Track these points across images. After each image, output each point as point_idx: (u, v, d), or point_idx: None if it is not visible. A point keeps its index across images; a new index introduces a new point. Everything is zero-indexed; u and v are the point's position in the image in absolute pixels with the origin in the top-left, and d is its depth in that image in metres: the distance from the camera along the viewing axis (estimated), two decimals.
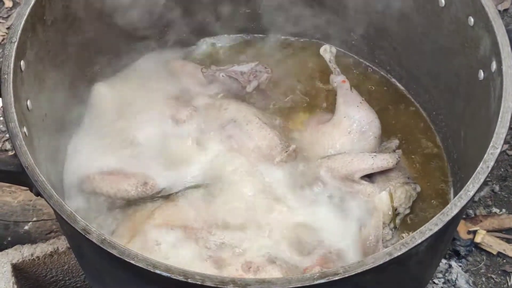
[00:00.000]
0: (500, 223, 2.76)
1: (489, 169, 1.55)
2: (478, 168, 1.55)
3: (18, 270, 2.27)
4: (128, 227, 1.94)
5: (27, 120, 1.74)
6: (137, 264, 1.40)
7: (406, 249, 1.44)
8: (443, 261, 2.62)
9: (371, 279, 1.52)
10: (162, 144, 2.12)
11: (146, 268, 1.40)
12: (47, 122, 1.90)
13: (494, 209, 2.80)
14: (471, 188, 1.53)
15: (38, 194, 1.56)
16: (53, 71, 1.92)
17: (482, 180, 1.54)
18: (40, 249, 2.28)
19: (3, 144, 2.96)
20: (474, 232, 2.71)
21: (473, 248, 2.70)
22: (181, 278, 1.39)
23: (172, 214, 1.95)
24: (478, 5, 1.84)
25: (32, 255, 2.27)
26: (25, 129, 1.67)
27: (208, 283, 1.38)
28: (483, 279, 2.63)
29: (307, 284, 1.39)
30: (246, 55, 2.43)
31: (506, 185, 2.86)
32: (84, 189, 2.04)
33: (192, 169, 2.07)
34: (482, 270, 2.65)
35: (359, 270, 1.41)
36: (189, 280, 1.38)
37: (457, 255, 2.67)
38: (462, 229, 2.70)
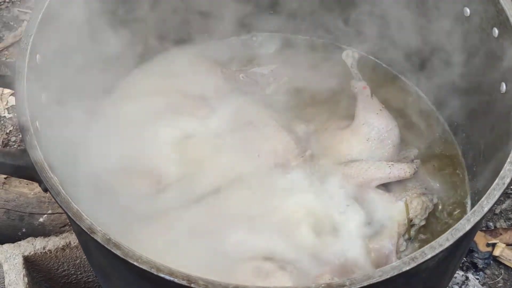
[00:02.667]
0: None
1: (505, 185, 1.53)
2: (493, 184, 1.53)
3: (30, 263, 2.27)
4: (140, 226, 1.93)
5: (41, 114, 1.72)
6: (140, 266, 1.39)
7: (415, 264, 1.41)
8: (460, 273, 2.60)
9: None
10: (178, 142, 2.11)
11: (149, 270, 1.38)
12: (62, 116, 1.89)
13: None
14: (485, 204, 1.50)
15: (46, 190, 1.55)
16: (70, 65, 1.92)
17: (497, 196, 1.51)
18: (53, 243, 2.28)
19: None
20: (493, 245, 2.68)
21: (491, 261, 2.67)
22: (184, 282, 1.37)
23: (183, 215, 1.94)
24: (503, 17, 1.81)
25: (44, 248, 2.27)
26: (37, 124, 1.66)
27: None
28: None
29: None
30: (267, 57, 2.42)
31: None
32: (97, 185, 2.03)
33: (206, 169, 2.05)
34: (500, 284, 2.63)
35: (365, 283, 1.38)
36: (192, 285, 1.37)
37: (474, 267, 2.65)
38: (481, 241, 2.67)
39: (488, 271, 2.65)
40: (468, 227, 1.47)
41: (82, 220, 1.46)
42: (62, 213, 2.40)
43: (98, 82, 2.09)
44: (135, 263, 1.39)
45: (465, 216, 1.48)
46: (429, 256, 1.43)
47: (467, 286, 2.60)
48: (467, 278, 2.62)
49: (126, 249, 1.41)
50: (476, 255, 2.64)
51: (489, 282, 2.62)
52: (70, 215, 1.46)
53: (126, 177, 2.04)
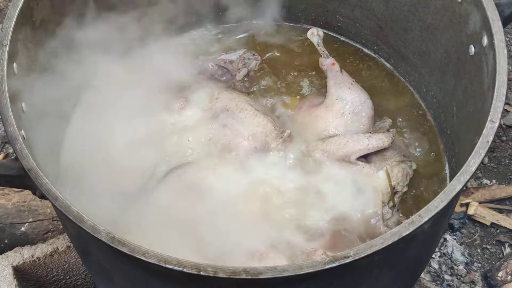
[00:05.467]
0: (492, 194, 2.79)
1: (489, 143, 1.56)
2: (478, 143, 1.56)
3: (19, 272, 2.26)
4: (128, 220, 1.93)
5: (23, 122, 1.72)
6: (148, 260, 1.40)
7: (414, 228, 1.45)
8: None
9: (380, 260, 1.53)
10: (156, 136, 2.11)
11: (157, 263, 1.40)
12: (42, 123, 1.89)
13: (485, 181, 2.83)
14: (472, 164, 1.54)
15: (42, 196, 1.55)
16: (45, 71, 1.91)
17: (483, 155, 1.55)
18: (40, 250, 2.28)
19: (2, 147, 2.95)
20: (467, 205, 2.74)
21: (466, 221, 2.73)
22: (193, 271, 1.39)
23: (169, 205, 1.95)
24: None
25: (32, 256, 2.26)
26: (23, 132, 1.66)
27: (220, 275, 1.39)
28: (478, 250, 2.66)
29: (319, 269, 1.40)
30: (233, 43, 2.43)
31: (495, 156, 2.89)
32: (79, 183, 2.02)
33: (187, 160, 2.06)
34: (477, 242, 2.68)
35: (369, 252, 1.41)
36: (202, 273, 1.39)
37: (451, 228, 2.70)
38: None
39: (464, 231, 2.71)
40: (459, 187, 1.51)
41: (84, 222, 1.46)
42: (43, 220, 2.39)
43: (74, 84, 2.08)
44: (142, 258, 1.40)
45: (456, 177, 1.52)
46: (425, 219, 1.46)
47: (446, 247, 2.65)
48: (445, 239, 2.67)
49: (132, 245, 1.42)
50: (451, 216, 2.69)
51: (466, 241, 2.68)
52: (71, 218, 1.47)
53: (109, 173, 2.03)
